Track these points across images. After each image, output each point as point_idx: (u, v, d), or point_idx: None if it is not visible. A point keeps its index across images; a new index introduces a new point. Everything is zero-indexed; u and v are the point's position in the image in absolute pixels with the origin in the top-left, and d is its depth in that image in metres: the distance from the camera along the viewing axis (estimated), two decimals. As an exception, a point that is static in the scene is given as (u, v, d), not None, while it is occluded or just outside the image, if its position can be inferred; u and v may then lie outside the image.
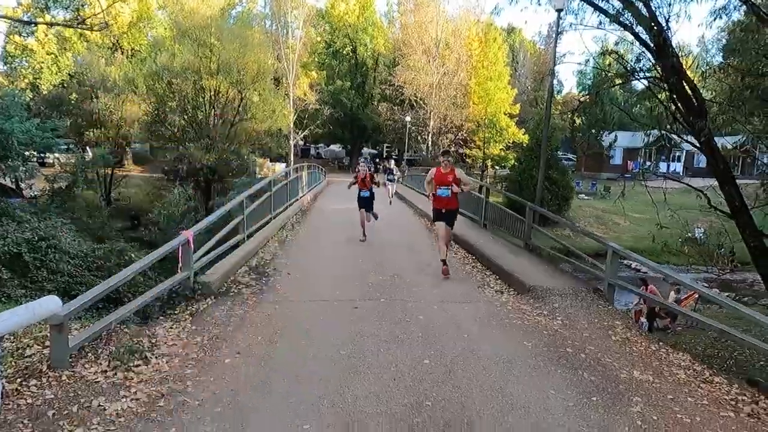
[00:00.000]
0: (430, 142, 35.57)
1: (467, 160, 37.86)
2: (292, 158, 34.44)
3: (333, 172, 37.62)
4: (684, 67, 8.14)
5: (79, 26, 12.61)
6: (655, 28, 7.59)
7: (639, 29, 8.28)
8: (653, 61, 8.51)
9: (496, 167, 37.94)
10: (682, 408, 3.64)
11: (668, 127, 10.15)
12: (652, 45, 7.97)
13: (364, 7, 42.12)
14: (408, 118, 34.42)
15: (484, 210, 11.51)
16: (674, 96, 7.96)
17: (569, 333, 5.07)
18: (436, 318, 5.35)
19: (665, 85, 8.29)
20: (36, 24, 24.36)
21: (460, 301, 6.06)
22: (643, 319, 10.92)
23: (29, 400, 3.09)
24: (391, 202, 16.42)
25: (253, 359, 4.09)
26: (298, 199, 14.50)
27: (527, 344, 4.70)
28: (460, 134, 35.67)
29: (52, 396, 3.18)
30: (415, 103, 35.67)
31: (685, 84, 7.60)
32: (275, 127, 29.21)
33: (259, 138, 28.65)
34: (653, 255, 16.06)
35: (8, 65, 34.96)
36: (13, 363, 3.59)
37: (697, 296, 11.06)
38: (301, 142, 42.40)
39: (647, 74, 9.32)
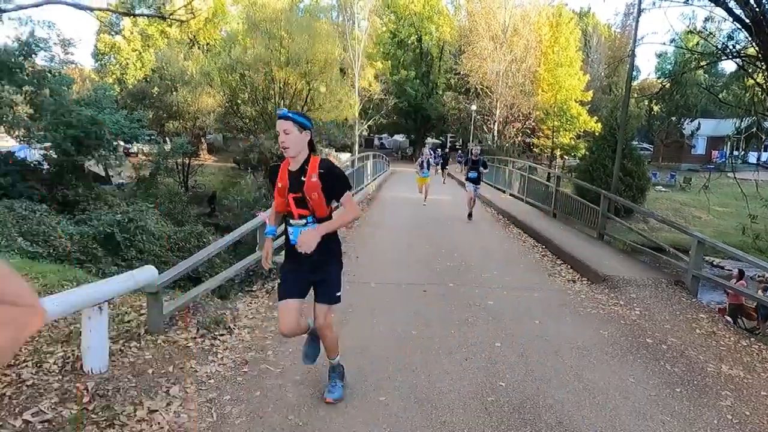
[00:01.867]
0: (495, 132, 34.78)
1: (534, 150, 36.72)
2: (356, 148, 34.89)
3: (396, 162, 37.81)
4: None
5: (168, 18, 13.40)
6: (752, 1, 7.01)
7: (732, 4, 7.69)
8: (748, 39, 7.87)
9: (566, 157, 36.53)
10: (777, 405, 3.40)
11: (762, 111, 9.37)
12: (747, 21, 7.37)
13: (430, -5, 41.73)
14: (473, 107, 33.80)
15: (554, 199, 11.16)
16: (772, 76, 7.34)
17: (649, 324, 4.85)
18: (506, 304, 5.29)
19: (763, 65, 7.65)
20: (130, 15, 26.14)
21: (531, 288, 5.95)
22: (728, 317, 10.21)
23: (131, 359, 3.39)
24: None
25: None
26: (363, 188, 14.72)
27: (603, 333, 4.55)
28: (527, 123, 34.62)
29: (151, 357, 3.47)
30: (480, 92, 34.96)
31: (785, 63, 6.99)
32: (341, 117, 29.74)
33: (326, 128, 29.25)
34: (741, 250, 14.89)
35: (98, 62, 37.80)
36: (115, 327, 3.95)
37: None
38: (365, 132, 42.82)
39: (741, 53, 8.64)
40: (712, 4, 7.87)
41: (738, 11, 7.62)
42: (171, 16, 12.99)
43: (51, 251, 8.76)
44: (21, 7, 10.55)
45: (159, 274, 4.04)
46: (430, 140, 47.83)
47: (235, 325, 4.31)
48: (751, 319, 9.97)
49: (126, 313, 4.34)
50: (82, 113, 14.35)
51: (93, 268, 8.80)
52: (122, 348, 3.52)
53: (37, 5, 9.44)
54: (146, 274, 3.59)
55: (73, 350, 3.36)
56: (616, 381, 3.60)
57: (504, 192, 16.31)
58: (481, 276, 6.42)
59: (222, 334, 4.06)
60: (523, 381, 3.53)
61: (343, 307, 4.94)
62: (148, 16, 24.95)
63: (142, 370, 3.26)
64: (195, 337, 3.90)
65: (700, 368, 3.93)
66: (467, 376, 3.57)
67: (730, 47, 8.59)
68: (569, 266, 7.20)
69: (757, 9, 7.04)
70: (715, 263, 17.24)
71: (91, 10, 8.58)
